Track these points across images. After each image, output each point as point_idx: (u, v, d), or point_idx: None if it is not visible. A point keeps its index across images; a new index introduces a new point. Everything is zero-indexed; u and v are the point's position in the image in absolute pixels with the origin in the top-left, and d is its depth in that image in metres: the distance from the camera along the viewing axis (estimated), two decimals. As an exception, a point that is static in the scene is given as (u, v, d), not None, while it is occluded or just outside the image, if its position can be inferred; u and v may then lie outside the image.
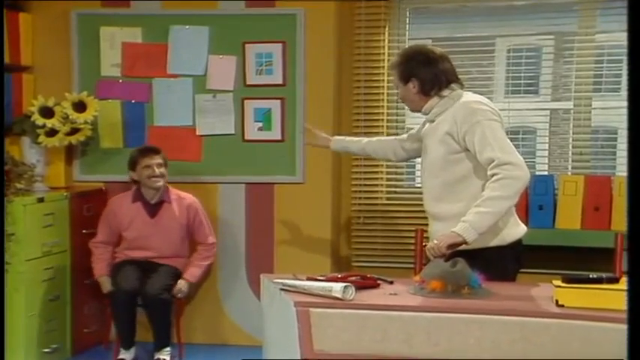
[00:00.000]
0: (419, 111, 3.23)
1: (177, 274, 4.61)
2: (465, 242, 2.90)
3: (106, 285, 4.55)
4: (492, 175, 2.92)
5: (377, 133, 5.02)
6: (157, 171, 4.53)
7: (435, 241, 2.93)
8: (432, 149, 3.15)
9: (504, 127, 3.14)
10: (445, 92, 3.12)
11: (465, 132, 3.01)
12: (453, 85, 3.14)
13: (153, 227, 4.60)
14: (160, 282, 4.46)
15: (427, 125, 3.26)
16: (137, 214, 4.60)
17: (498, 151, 2.94)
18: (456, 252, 2.89)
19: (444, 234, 2.96)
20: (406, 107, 3.63)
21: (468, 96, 3.14)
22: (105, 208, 4.71)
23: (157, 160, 4.56)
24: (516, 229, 3.17)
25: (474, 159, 3.04)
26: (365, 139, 3.77)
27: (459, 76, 3.22)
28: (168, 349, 4.52)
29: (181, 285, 4.55)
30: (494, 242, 3.07)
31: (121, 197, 4.70)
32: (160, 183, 4.56)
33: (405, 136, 3.63)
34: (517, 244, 3.18)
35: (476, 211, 2.90)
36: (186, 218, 4.64)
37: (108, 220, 4.67)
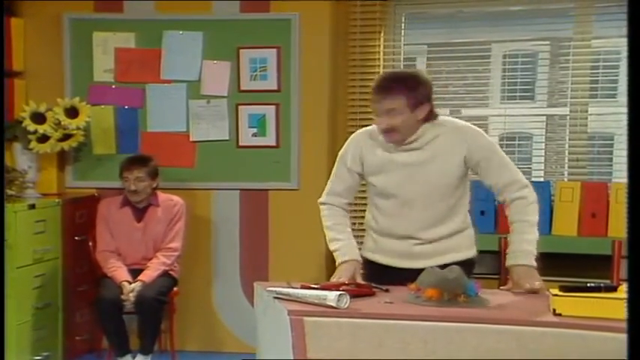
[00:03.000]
0: (403, 140, 3.02)
1: (172, 278, 4.57)
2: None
3: (128, 290, 4.39)
4: (519, 198, 3.00)
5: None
6: (133, 186, 4.49)
7: (537, 283, 2.88)
8: (440, 174, 3.03)
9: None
10: (434, 114, 3.07)
11: (481, 157, 3.01)
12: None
13: (139, 232, 4.57)
14: (155, 286, 4.41)
15: (406, 154, 3.06)
16: (125, 219, 4.57)
17: (514, 173, 3.04)
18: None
19: (531, 275, 2.91)
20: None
21: (455, 120, 3.15)
22: (98, 215, 4.66)
23: (137, 173, 4.50)
24: (475, 242, 3.23)
25: (465, 176, 3.09)
26: (343, 234, 3.27)
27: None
28: (149, 357, 4.47)
29: (134, 285, 4.38)
30: (471, 254, 3.15)
31: (109, 202, 4.66)
32: (140, 198, 4.53)
33: (335, 198, 3.32)
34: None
35: (529, 239, 2.97)
36: (169, 220, 4.59)
37: (105, 227, 4.59)
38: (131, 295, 4.35)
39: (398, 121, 2.96)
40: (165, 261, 4.53)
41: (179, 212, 4.63)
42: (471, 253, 3.15)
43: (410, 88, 2.96)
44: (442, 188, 3.04)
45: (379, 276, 3.02)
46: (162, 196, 4.65)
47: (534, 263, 2.92)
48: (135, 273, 4.49)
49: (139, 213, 4.59)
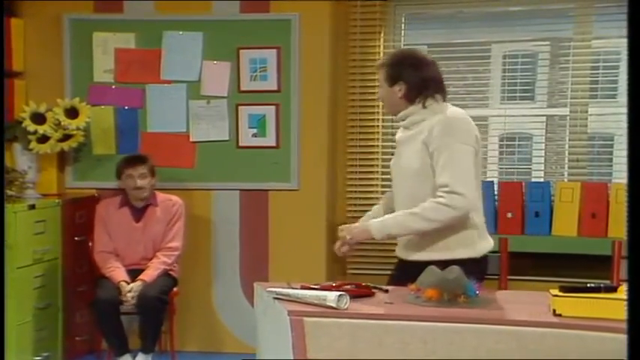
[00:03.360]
0: (395, 115, 3.14)
1: (172, 278, 4.58)
2: (372, 239, 3.00)
3: (126, 290, 4.39)
4: (436, 197, 2.90)
5: (372, 139, 5.01)
6: (139, 183, 4.50)
7: (348, 236, 3.02)
8: (406, 157, 3.05)
9: (479, 150, 3.02)
10: (429, 102, 3.02)
11: (435, 148, 2.94)
12: (437, 96, 3.04)
13: (138, 232, 4.57)
14: (156, 286, 4.40)
15: (402, 131, 3.16)
16: (124, 219, 4.57)
17: (453, 177, 2.89)
18: (430, 262, 2.85)
19: (357, 227, 3.05)
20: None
21: (452, 111, 3.02)
22: (96, 216, 4.65)
23: (141, 170, 4.52)
24: (486, 243, 3.11)
25: (428, 167, 2.98)
26: (379, 204, 3.37)
27: (446, 87, 3.11)
28: (150, 356, 4.47)
29: (134, 285, 4.37)
30: (466, 254, 3.00)
31: (108, 203, 4.66)
32: (145, 194, 4.54)
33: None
34: (486, 257, 3.11)
35: (396, 215, 2.97)
36: (169, 220, 4.59)
37: (104, 228, 4.59)
38: (129, 295, 4.34)
39: (381, 93, 3.14)
40: (166, 260, 4.53)
41: (178, 212, 4.63)
42: (448, 254, 2.97)
43: (388, 65, 3.08)
44: (406, 171, 3.04)
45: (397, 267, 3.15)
46: (160, 196, 4.65)
47: (375, 231, 2.96)
48: (134, 274, 4.49)
49: (138, 213, 4.59)
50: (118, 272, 4.45)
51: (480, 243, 3.06)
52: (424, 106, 3.03)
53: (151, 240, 4.58)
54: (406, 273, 2.89)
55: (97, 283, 4.48)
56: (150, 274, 4.46)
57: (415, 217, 2.93)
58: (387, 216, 3.02)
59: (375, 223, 3.01)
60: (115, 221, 4.58)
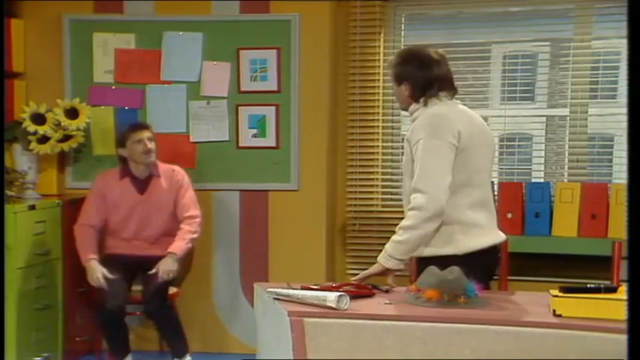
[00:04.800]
0: (405, 109, 3.20)
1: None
2: (389, 270, 2.98)
3: (96, 270, 4.33)
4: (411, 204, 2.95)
5: (372, 139, 5.01)
6: (149, 145, 4.45)
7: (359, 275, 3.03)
8: (404, 155, 3.11)
9: (468, 147, 2.97)
10: (432, 101, 3.05)
11: (412, 146, 3.00)
12: (441, 94, 3.06)
13: (142, 204, 4.50)
14: (158, 294, 4.38)
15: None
16: (126, 191, 4.50)
17: (417, 176, 2.92)
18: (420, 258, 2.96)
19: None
20: (401, 112, 3.57)
21: (435, 108, 3.04)
22: (92, 188, 4.58)
23: (147, 134, 4.49)
24: (474, 240, 3.02)
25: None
26: None
27: (455, 83, 3.14)
28: (188, 357, 4.47)
29: (167, 264, 4.36)
30: (448, 251, 2.99)
31: (107, 175, 4.59)
32: (153, 158, 4.49)
33: None
34: (476, 255, 3.03)
35: (392, 240, 2.98)
36: (175, 190, 4.55)
37: (97, 202, 4.51)
38: (168, 275, 4.33)
39: (394, 91, 3.22)
40: (190, 229, 4.49)
41: (184, 180, 4.57)
42: (430, 252, 3.00)
43: (395, 65, 3.16)
44: (404, 169, 3.10)
45: None
46: (162, 166, 4.59)
47: (384, 262, 2.97)
48: (138, 263, 4.44)
49: (141, 184, 4.52)
50: (87, 249, 4.39)
51: (464, 240, 3.00)
52: (425, 104, 3.05)
53: (157, 210, 4.50)
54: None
55: (99, 291, 4.37)
56: (179, 245, 4.42)
57: (399, 231, 2.97)
58: (386, 245, 3.01)
59: (381, 256, 3.00)
60: (116, 193, 4.49)
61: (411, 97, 3.09)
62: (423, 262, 2.93)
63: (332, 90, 4.94)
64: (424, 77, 3.06)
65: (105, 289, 4.32)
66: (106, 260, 4.48)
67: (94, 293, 4.50)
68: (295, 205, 4.89)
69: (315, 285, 2.80)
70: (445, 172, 2.93)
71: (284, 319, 2.53)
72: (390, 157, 5.04)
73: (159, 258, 4.41)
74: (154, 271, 4.35)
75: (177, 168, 4.63)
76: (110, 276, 4.33)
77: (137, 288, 4.50)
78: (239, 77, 4.90)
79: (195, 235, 4.53)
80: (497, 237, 3.14)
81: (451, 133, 2.95)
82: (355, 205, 5.07)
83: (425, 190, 2.91)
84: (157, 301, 4.38)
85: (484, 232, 3.08)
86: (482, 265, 3.03)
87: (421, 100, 3.06)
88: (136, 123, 4.65)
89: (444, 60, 3.13)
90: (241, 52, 4.88)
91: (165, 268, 4.36)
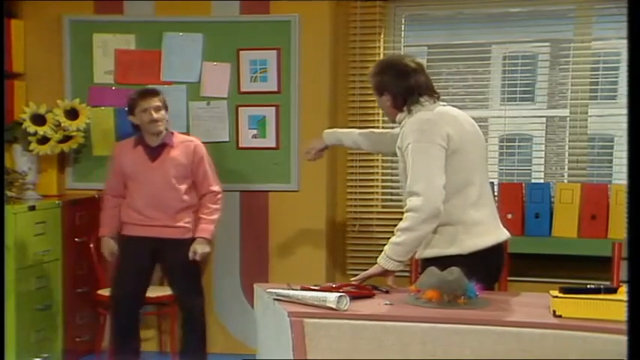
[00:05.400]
0: (394, 122, 3.21)
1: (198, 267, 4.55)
2: (388, 271, 3.00)
3: (106, 247, 4.41)
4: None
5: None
6: (155, 115, 4.31)
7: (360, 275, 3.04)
8: (400, 160, 3.14)
9: (458, 149, 3.00)
10: (415, 107, 3.08)
11: (403, 152, 3.04)
12: (422, 99, 3.08)
13: (153, 171, 4.35)
14: (189, 288, 4.43)
15: None
16: (138, 158, 4.38)
17: (411, 179, 2.96)
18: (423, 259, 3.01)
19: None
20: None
21: (421, 113, 3.06)
22: (112, 156, 4.53)
23: (155, 102, 4.33)
24: (478, 240, 3.05)
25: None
26: (357, 131, 3.69)
27: (435, 89, 3.16)
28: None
29: (198, 248, 4.36)
30: (452, 251, 3.02)
31: (123, 143, 4.52)
32: (160, 128, 4.35)
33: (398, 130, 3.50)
34: (480, 254, 3.05)
35: (390, 242, 3.00)
36: (191, 162, 4.40)
37: (114, 170, 4.46)
38: (199, 257, 4.37)
39: (378, 103, 3.28)
40: (216, 207, 4.43)
41: (200, 153, 4.42)
42: (434, 253, 3.06)
43: (373, 76, 3.24)
44: (401, 173, 3.13)
45: None
46: (179, 136, 4.48)
47: (383, 263, 2.99)
48: (155, 242, 4.36)
49: (154, 152, 4.38)
50: (106, 223, 4.44)
51: (467, 239, 3.02)
52: (409, 112, 3.09)
53: (166, 181, 4.34)
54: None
55: (112, 281, 4.40)
56: (207, 228, 4.38)
57: (397, 233, 2.99)
58: (385, 247, 3.03)
59: (381, 257, 3.02)
60: (129, 160, 4.39)
61: (394, 106, 3.14)
62: (427, 264, 2.94)
63: (332, 91, 4.94)
64: (403, 86, 3.10)
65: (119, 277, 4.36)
66: (122, 244, 4.43)
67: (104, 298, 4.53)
68: (295, 205, 4.89)
69: (315, 285, 2.80)
70: (437, 173, 2.95)
71: (284, 320, 2.53)
72: (390, 157, 5.03)
73: (176, 241, 4.35)
74: (190, 256, 4.34)
75: (194, 139, 4.51)
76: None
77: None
78: (239, 78, 4.90)
79: (219, 214, 4.48)
80: (501, 235, 3.17)
81: (440, 136, 2.98)
82: (355, 205, 5.06)
83: (420, 192, 2.93)
84: (194, 295, 4.41)
85: (487, 230, 3.10)
86: (487, 266, 3.07)
87: (404, 108, 3.10)
88: (144, 89, 4.47)
89: (422, 68, 3.17)
90: (241, 52, 4.89)
91: (202, 251, 4.38)
